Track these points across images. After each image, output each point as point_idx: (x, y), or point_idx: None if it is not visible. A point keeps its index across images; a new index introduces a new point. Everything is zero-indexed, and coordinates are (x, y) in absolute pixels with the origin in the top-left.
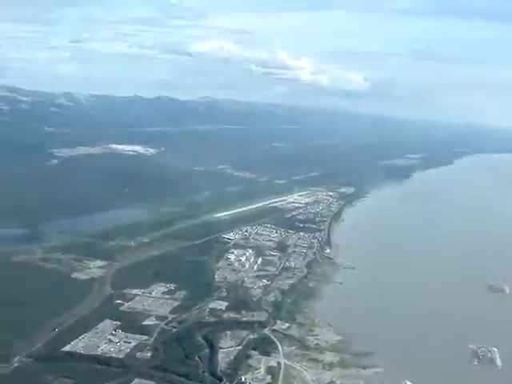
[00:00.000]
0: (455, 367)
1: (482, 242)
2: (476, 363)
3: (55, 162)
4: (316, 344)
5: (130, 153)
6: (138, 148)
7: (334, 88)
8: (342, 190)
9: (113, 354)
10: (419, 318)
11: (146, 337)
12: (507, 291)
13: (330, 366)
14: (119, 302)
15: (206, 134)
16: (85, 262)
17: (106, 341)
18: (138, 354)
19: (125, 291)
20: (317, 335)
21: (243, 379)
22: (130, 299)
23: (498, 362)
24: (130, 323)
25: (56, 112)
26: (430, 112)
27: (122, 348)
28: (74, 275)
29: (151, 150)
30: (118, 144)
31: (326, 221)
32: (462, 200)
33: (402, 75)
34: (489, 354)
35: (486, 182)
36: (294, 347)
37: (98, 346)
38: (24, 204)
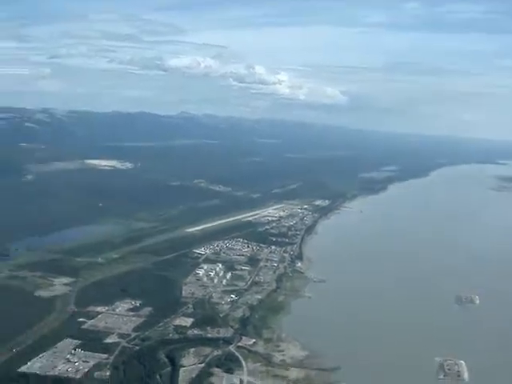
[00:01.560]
0: (421, 382)
1: (453, 252)
2: (442, 377)
3: (29, 177)
4: (281, 360)
5: (106, 168)
6: (114, 163)
7: (312, 102)
8: (317, 202)
9: (70, 374)
10: (387, 332)
11: (106, 355)
12: (477, 302)
13: (295, 382)
14: (81, 320)
15: (184, 149)
16: (50, 279)
17: (64, 360)
18: (97, 374)
19: (88, 309)
20: (283, 351)
21: None
22: (93, 317)
23: (465, 375)
24: (91, 342)
25: (33, 128)
26: (407, 124)
27: (80, 368)
28: (38, 293)
29: (128, 165)
30: (94, 159)
31: (298, 234)
32: (433, 211)
33: (378, 89)
34: (456, 368)
35: (458, 192)
36: (258, 364)
37: (56, 366)
38: None
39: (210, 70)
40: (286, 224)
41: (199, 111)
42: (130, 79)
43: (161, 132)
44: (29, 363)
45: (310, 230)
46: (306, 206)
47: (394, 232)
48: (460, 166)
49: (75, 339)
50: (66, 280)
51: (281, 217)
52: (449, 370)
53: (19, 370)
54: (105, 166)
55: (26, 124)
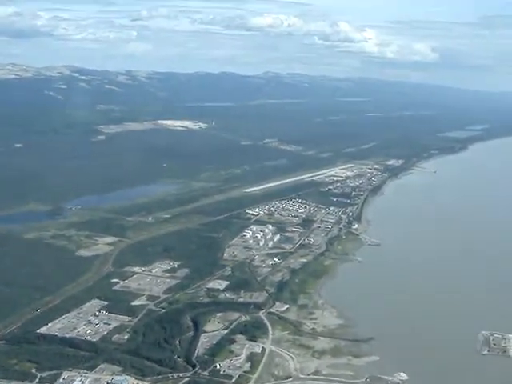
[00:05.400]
0: (460, 357)
1: None
2: (486, 352)
3: (100, 138)
4: (312, 329)
5: (179, 128)
6: (188, 123)
7: (401, 60)
8: (390, 162)
9: (88, 337)
10: (432, 303)
11: (129, 318)
12: None
13: (321, 353)
14: (115, 280)
15: (262, 109)
16: (95, 238)
17: (86, 322)
18: (115, 337)
19: (125, 269)
20: (316, 319)
21: (218, 366)
22: (128, 277)
23: None
24: (118, 303)
25: (112, 90)
26: (502, 83)
27: (100, 330)
28: (79, 252)
29: (201, 125)
30: (167, 120)
31: (362, 195)
32: None
33: (472, 45)
34: (503, 343)
35: None
36: (286, 332)
37: (75, 328)
38: (57, 180)
39: (294, 28)
40: (351, 184)
41: (283, 71)
42: (213, 40)
43: (242, 92)
44: (50, 324)
45: (375, 190)
46: (376, 166)
47: (465, 196)
48: None
49: (103, 300)
50: (110, 239)
51: (347, 177)
52: (494, 344)
53: (38, 330)
54: (177, 126)
55: (106, 86)
